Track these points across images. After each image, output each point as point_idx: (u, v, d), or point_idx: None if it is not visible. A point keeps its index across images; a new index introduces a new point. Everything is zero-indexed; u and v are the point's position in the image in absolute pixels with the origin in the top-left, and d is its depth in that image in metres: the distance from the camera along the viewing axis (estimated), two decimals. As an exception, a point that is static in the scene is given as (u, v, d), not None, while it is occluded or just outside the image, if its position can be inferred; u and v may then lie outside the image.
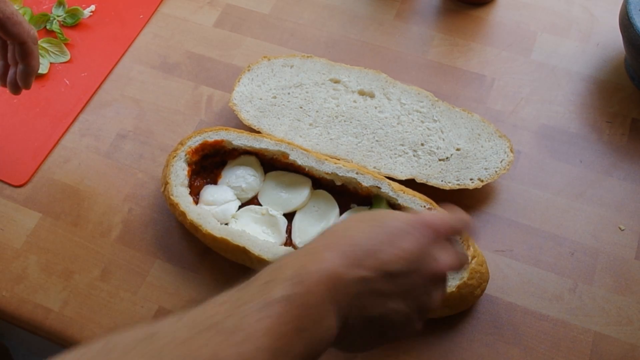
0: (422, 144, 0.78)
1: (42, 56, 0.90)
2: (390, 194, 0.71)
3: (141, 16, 0.96)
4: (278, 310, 0.45)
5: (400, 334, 0.53)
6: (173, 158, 0.75)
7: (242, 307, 0.45)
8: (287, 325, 0.44)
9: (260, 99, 0.82)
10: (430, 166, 0.77)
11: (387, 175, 0.76)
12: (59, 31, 0.93)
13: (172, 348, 0.42)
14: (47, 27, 0.94)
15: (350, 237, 0.51)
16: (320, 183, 0.75)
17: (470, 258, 0.68)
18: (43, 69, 0.90)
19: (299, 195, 0.74)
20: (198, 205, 0.74)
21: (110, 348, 0.42)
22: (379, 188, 0.71)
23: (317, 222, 0.73)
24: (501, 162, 0.77)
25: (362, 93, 0.82)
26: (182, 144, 0.76)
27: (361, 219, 0.54)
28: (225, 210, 0.73)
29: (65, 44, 0.93)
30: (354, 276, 0.48)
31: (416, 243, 0.51)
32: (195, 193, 0.75)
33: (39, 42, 0.90)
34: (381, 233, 0.51)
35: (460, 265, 0.56)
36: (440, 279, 0.54)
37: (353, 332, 0.50)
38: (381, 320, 0.50)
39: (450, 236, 0.57)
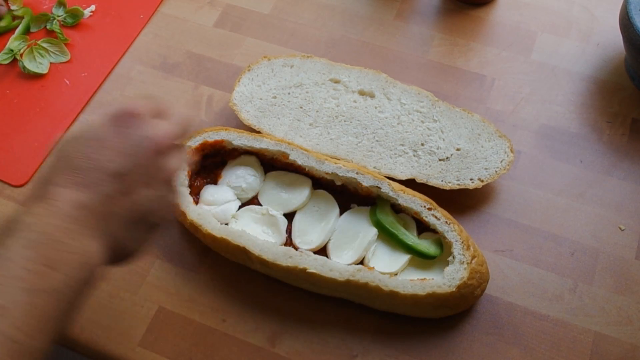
0: (422, 144, 0.78)
1: (42, 56, 0.91)
2: (391, 194, 0.71)
3: (141, 16, 0.96)
4: (24, 255, 0.46)
5: (159, 213, 0.55)
6: (173, 158, 0.75)
7: None
8: (37, 266, 0.46)
9: (261, 99, 0.82)
10: (430, 166, 0.77)
11: (387, 175, 0.76)
12: (59, 31, 0.93)
13: None
14: (48, 27, 0.94)
15: (66, 161, 0.52)
16: (320, 183, 0.75)
17: (470, 258, 0.68)
18: (43, 69, 0.90)
19: (299, 195, 0.74)
20: (198, 205, 0.74)
21: None
22: (379, 188, 0.71)
23: (318, 222, 0.73)
24: (501, 162, 0.77)
25: (362, 93, 0.82)
26: (182, 144, 0.76)
27: (73, 141, 0.54)
28: (225, 210, 0.73)
29: (65, 44, 0.92)
30: (85, 196, 0.50)
31: (120, 134, 0.53)
32: (195, 193, 0.75)
33: (40, 42, 0.91)
34: (88, 144, 0.52)
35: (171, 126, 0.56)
36: (161, 148, 0.54)
37: (121, 238, 0.52)
38: (136, 213, 0.52)
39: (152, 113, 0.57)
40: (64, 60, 0.91)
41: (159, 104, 0.58)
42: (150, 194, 0.53)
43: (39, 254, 0.47)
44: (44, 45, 0.91)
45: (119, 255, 0.54)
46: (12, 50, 0.90)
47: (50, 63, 0.91)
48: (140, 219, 0.53)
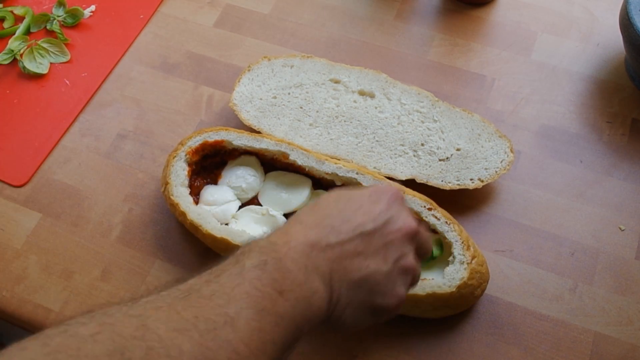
0: (423, 144, 0.78)
1: (42, 56, 0.91)
2: (391, 194, 0.71)
3: (141, 16, 0.96)
4: (254, 274, 0.46)
5: (387, 301, 0.53)
6: (173, 158, 0.75)
7: (219, 277, 0.47)
8: (266, 288, 0.46)
9: (261, 99, 0.82)
10: (430, 166, 0.77)
11: (387, 176, 0.76)
12: (59, 31, 0.93)
13: (154, 311, 0.43)
14: (48, 27, 0.94)
15: (318, 213, 0.53)
16: (320, 183, 0.75)
17: (470, 258, 0.68)
18: (43, 69, 0.90)
19: (299, 196, 0.74)
20: (198, 205, 0.74)
21: (93, 313, 0.43)
22: (379, 188, 0.71)
23: (318, 222, 0.73)
24: (501, 162, 0.77)
25: (362, 93, 0.82)
26: (182, 144, 0.76)
27: (326, 199, 0.56)
28: (225, 211, 0.73)
29: (66, 44, 0.93)
30: (329, 240, 0.51)
31: (384, 204, 0.54)
32: (195, 193, 0.75)
33: (40, 42, 0.91)
34: (349, 203, 0.54)
35: (418, 228, 0.56)
36: (412, 236, 0.55)
37: (341, 301, 0.50)
38: (366, 283, 0.51)
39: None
40: (64, 60, 0.91)
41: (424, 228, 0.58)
42: (385, 271, 0.52)
43: (271, 277, 0.47)
44: (44, 45, 0.91)
45: (336, 317, 0.51)
46: (12, 51, 0.90)
47: (50, 63, 0.91)
48: (368, 291, 0.51)
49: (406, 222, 0.54)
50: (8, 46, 0.91)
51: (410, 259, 0.54)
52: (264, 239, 0.51)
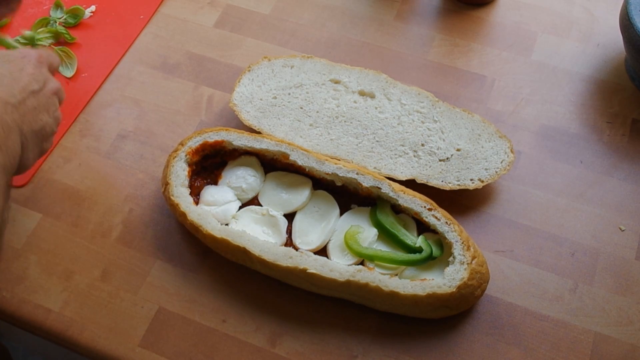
0: (423, 145, 0.78)
1: None
2: (391, 194, 0.71)
3: (141, 17, 0.96)
4: None
5: (48, 145, 0.70)
6: (173, 158, 0.75)
7: None
8: None
9: (261, 99, 0.82)
10: (430, 167, 0.77)
11: (387, 176, 0.76)
12: (64, 32, 0.92)
13: None
14: (50, 28, 0.93)
15: None
16: (320, 183, 0.75)
17: (470, 258, 0.68)
18: None
19: (299, 196, 0.74)
20: (198, 205, 0.74)
21: None
22: (379, 189, 0.71)
23: (318, 222, 0.73)
24: (501, 162, 0.77)
25: (362, 93, 0.82)
26: (182, 144, 0.76)
27: None
28: (225, 211, 0.73)
29: (70, 45, 0.92)
30: (16, 98, 0.64)
31: (35, 66, 0.68)
32: (195, 193, 0.75)
33: (56, 48, 0.90)
34: (13, 65, 0.67)
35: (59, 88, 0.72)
36: (56, 93, 0.71)
37: (28, 147, 0.65)
38: (41, 132, 0.67)
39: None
40: (68, 75, 0.90)
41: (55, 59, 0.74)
42: (49, 119, 0.68)
43: None
44: (58, 51, 0.90)
45: (21, 161, 0.65)
46: (33, 39, 0.91)
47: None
48: (40, 135, 0.67)
49: (53, 81, 0.70)
50: (28, 32, 0.91)
51: (59, 112, 0.71)
52: None
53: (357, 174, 0.72)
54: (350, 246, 0.70)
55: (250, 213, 0.74)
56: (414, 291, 0.66)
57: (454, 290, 0.66)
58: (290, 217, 0.74)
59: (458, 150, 0.78)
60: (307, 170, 0.74)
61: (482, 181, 0.76)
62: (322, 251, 0.71)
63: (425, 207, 0.71)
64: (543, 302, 0.71)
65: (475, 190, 0.77)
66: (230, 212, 0.73)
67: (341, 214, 0.74)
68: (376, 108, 0.81)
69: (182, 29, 0.95)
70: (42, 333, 0.73)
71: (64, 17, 0.95)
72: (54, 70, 0.73)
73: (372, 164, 0.77)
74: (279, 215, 0.73)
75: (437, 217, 0.70)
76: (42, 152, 0.69)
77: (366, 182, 0.72)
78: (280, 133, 0.80)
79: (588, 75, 0.88)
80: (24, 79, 0.66)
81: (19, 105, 0.64)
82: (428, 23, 0.94)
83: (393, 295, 0.67)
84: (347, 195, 0.75)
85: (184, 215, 0.72)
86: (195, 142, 0.76)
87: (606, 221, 0.76)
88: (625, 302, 0.71)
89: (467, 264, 0.67)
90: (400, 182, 0.75)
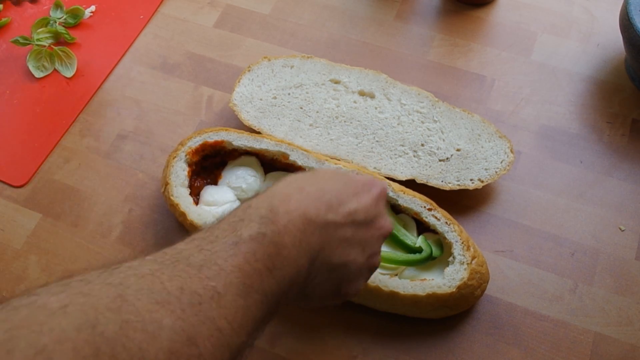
0: (423, 145, 0.78)
1: (51, 62, 0.91)
2: (391, 194, 0.71)
3: (141, 17, 0.96)
4: (250, 247, 0.44)
5: (351, 289, 0.55)
6: (173, 158, 0.75)
7: (212, 244, 0.44)
8: (258, 263, 0.44)
9: (261, 99, 0.82)
10: (430, 167, 0.77)
11: (387, 176, 0.76)
12: (64, 32, 0.92)
13: (137, 278, 0.40)
14: (50, 28, 0.94)
15: (318, 184, 0.52)
16: (320, 183, 0.75)
17: (470, 258, 0.68)
18: (42, 74, 0.90)
19: (299, 196, 0.74)
20: (198, 205, 0.74)
21: (70, 280, 0.40)
22: (379, 188, 0.71)
23: (318, 222, 0.73)
24: (501, 162, 0.77)
25: (362, 93, 0.82)
26: (182, 144, 0.76)
27: (324, 172, 0.56)
28: (225, 211, 0.73)
29: (70, 45, 0.92)
30: (326, 220, 0.50)
31: (375, 198, 0.56)
32: (195, 193, 0.75)
33: (56, 48, 0.90)
34: (347, 185, 0.55)
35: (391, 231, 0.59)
36: (385, 237, 0.57)
37: (315, 279, 0.51)
38: (341, 269, 0.52)
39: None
40: (68, 75, 0.90)
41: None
42: (361, 263, 0.54)
43: (265, 252, 0.45)
44: (59, 52, 0.90)
45: (304, 294, 0.52)
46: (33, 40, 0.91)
47: (55, 69, 0.91)
48: (339, 276, 0.53)
49: (387, 222, 0.57)
50: (33, 33, 0.92)
51: (379, 258, 0.57)
52: (264, 204, 0.49)
53: (357, 174, 0.72)
54: None
55: (250, 213, 0.74)
56: (413, 291, 0.66)
57: (454, 290, 0.66)
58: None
59: (458, 150, 0.78)
60: (307, 170, 0.74)
61: (482, 181, 0.76)
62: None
63: (425, 207, 0.71)
64: (543, 302, 0.71)
65: (475, 190, 0.77)
66: (230, 212, 0.73)
67: (341, 214, 0.73)
68: (376, 108, 0.81)
69: (182, 29, 0.95)
70: (42, 333, 0.73)
71: (64, 17, 0.95)
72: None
73: (372, 164, 0.77)
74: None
75: (437, 217, 0.70)
76: (335, 295, 0.55)
77: (366, 182, 0.72)
78: (280, 133, 0.80)
79: (588, 75, 0.88)
80: (353, 203, 0.53)
81: (327, 227, 0.51)
82: (428, 23, 0.94)
83: (393, 295, 0.67)
84: (347, 195, 0.75)
85: (184, 215, 0.72)
86: (195, 142, 0.76)
87: (606, 221, 0.76)
88: (625, 302, 0.71)
89: (467, 264, 0.67)
90: (400, 182, 0.75)
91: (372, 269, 0.57)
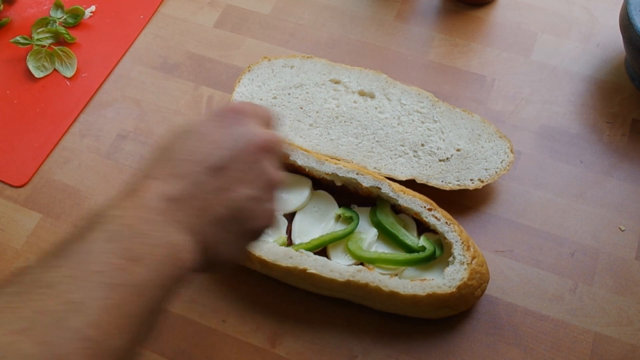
0: (423, 145, 0.78)
1: (51, 62, 0.91)
2: (391, 194, 0.71)
3: (141, 17, 0.96)
4: (104, 248, 0.42)
5: (259, 221, 0.51)
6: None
7: (64, 258, 0.41)
8: (118, 259, 0.41)
9: (261, 99, 0.82)
10: (430, 167, 0.77)
11: (387, 176, 0.76)
12: (64, 32, 0.92)
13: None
14: (50, 28, 0.94)
15: (166, 158, 0.49)
16: (320, 183, 0.75)
17: (470, 258, 0.68)
18: (42, 74, 0.90)
19: (299, 196, 0.74)
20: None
21: None
22: (379, 189, 0.71)
23: (317, 222, 0.73)
24: (501, 162, 0.77)
25: (362, 93, 0.82)
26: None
27: (175, 137, 0.51)
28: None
29: (70, 45, 0.92)
30: (176, 187, 0.47)
31: (224, 129, 0.50)
32: (195, 193, 0.75)
33: (56, 48, 0.90)
34: (190, 138, 0.50)
35: (268, 137, 0.53)
36: (264, 148, 0.51)
37: (208, 241, 0.47)
38: (234, 213, 0.49)
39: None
40: (68, 75, 0.90)
41: (266, 112, 0.55)
42: (250, 194, 0.49)
43: (122, 246, 0.42)
44: (59, 52, 0.90)
45: (211, 258, 0.49)
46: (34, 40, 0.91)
47: (54, 69, 0.91)
48: (237, 221, 0.49)
49: (254, 135, 0.51)
50: (33, 33, 0.92)
51: (269, 173, 0.51)
52: (112, 203, 0.46)
53: (357, 174, 0.72)
54: (352, 251, 0.70)
55: (250, 213, 0.74)
56: (414, 291, 0.66)
57: (454, 290, 0.66)
58: (290, 217, 0.74)
59: (458, 150, 0.78)
60: (307, 170, 0.74)
61: (482, 181, 0.76)
62: (322, 251, 0.71)
63: (425, 207, 0.71)
64: (543, 302, 0.71)
65: (475, 190, 0.77)
66: (230, 212, 0.73)
67: (341, 214, 0.74)
68: (376, 108, 0.81)
69: (182, 29, 0.95)
70: (42, 333, 0.73)
71: (64, 17, 0.95)
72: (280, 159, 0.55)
73: (372, 164, 0.77)
74: (279, 215, 0.73)
75: (437, 217, 0.70)
76: (244, 238, 0.51)
77: (366, 182, 0.72)
78: (280, 133, 0.80)
79: (588, 75, 0.88)
80: (204, 150, 0.49)
81: (191, 197, 0.47)
82: (428, 23, 0.94)
83: (393, 295, 0.67)
84: (347, 195, 0.75)
85: (183, 215, 0.72)
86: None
87: (606, 221, 0.76)
88: (625, 302, 0.71)
89: (467, 264, 0.67)
90: (400, 182, 0.75)
91: (270, 187, 0.51)
